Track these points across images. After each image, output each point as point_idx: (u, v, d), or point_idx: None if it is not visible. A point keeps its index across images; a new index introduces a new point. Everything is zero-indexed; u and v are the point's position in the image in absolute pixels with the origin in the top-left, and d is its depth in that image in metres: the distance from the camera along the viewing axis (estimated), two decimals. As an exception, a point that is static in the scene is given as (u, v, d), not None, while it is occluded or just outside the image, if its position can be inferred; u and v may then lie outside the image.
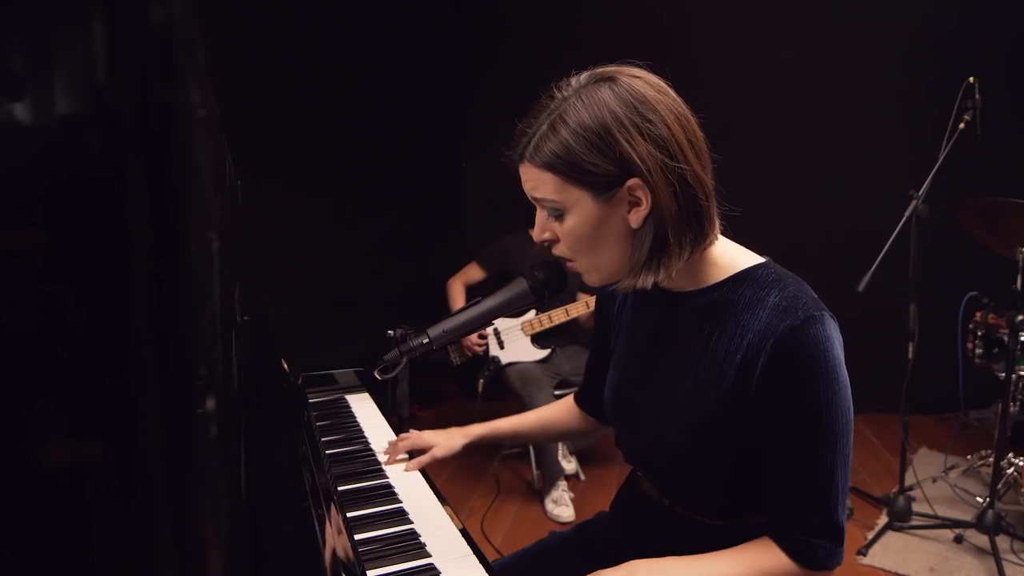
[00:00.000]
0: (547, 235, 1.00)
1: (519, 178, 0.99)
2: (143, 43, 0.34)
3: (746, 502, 1.04)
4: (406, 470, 1.37)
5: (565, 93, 0.94)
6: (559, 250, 1.01)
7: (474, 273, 3.30)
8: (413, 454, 1.41)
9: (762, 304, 0.96)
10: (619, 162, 0.90)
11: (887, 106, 3.74)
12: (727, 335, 0.98)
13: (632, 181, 0.91)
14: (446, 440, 1.39)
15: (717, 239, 1.00)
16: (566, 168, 0.91)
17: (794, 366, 0.91)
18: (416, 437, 1.41)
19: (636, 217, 0.93)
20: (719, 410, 0.97)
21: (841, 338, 0.95)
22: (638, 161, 0.89)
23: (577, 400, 1.40)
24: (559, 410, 1.43)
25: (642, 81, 0.93)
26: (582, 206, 0.94)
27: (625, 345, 1.15)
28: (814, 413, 0.92)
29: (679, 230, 0.93)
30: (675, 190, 0.91)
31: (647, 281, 0.96)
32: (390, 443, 1.45)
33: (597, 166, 0.90)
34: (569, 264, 1.03)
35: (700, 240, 0.96)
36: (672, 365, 1.04)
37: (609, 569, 0.99)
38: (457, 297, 3.26)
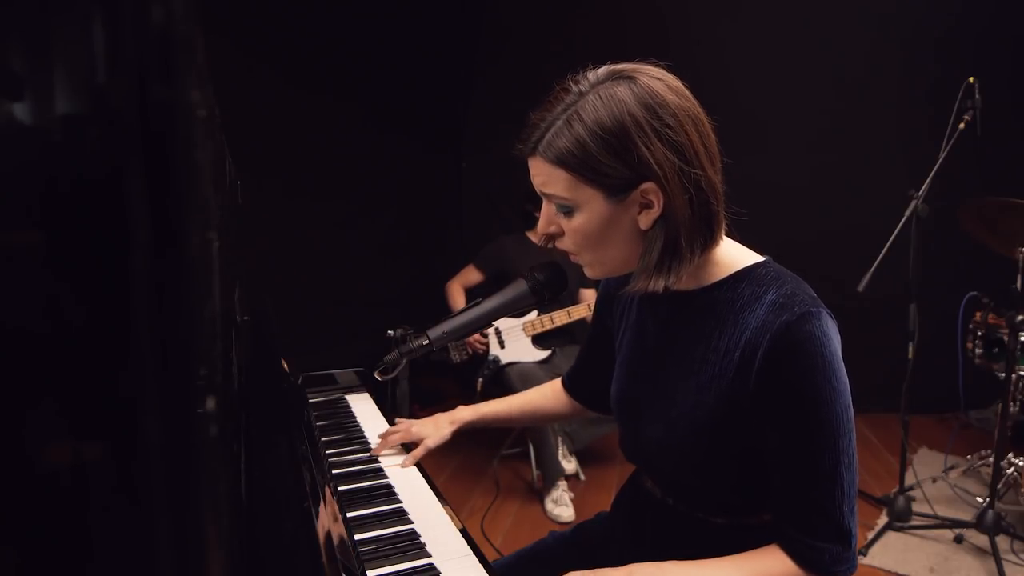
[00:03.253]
0: (553, 228, 0.99)
1: (522, 179, 0.99)
2: (143, 43, 0.34)
3: (750, 500, 1.04)
4: (403, 465, 1.37)
5: (582, 88, 0.92)
6: (563, 244, 1.00)
7: (472, 276, 3.30)
8: (407, 447, 1.42)
9: (760, 302, 0.96)
10: (635, 166, 0.89)
11: (887, 106, 3.74)
12: (727, 333, 0.98)
13: (646, 185, 0.90)
14: (435, 430, 1.40)
15: (721, 239, 1.00)
16: (580, 167, 0.90)
17: (790, 361, 0.91)
18: (406, 431, 1.42)
19: (647, 219, 0.93)
20: (720, 408, 0.97)
21: (839, 336, 0.95)
22: (655, 166, 0.88)
23: (564, 383, 1.41)
24: (544, 394, 1.44)
25: (661, 83, 0.91)
26: (593, 205, 0.93)
27: (630, 344, 1.15)
28: (812, 409, 0.91)
29: (691, 234, 0.93)
30: (690, 196, 0.91)
31: (658, 285, 0.94)
32: (380, 436, 1.45)
33: (613, 168, 0.89)
34: (572, 257, 1.02)
35: (709, 243, 0.96)
36: (675, 364, 1.04)
37: (609, 569, 0.99)
38: (457, 299, 3.26)
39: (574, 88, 0.92)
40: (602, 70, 0.93)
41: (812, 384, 0.91)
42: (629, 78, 0.91)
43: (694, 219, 0.92)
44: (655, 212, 0.92)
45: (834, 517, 0.93)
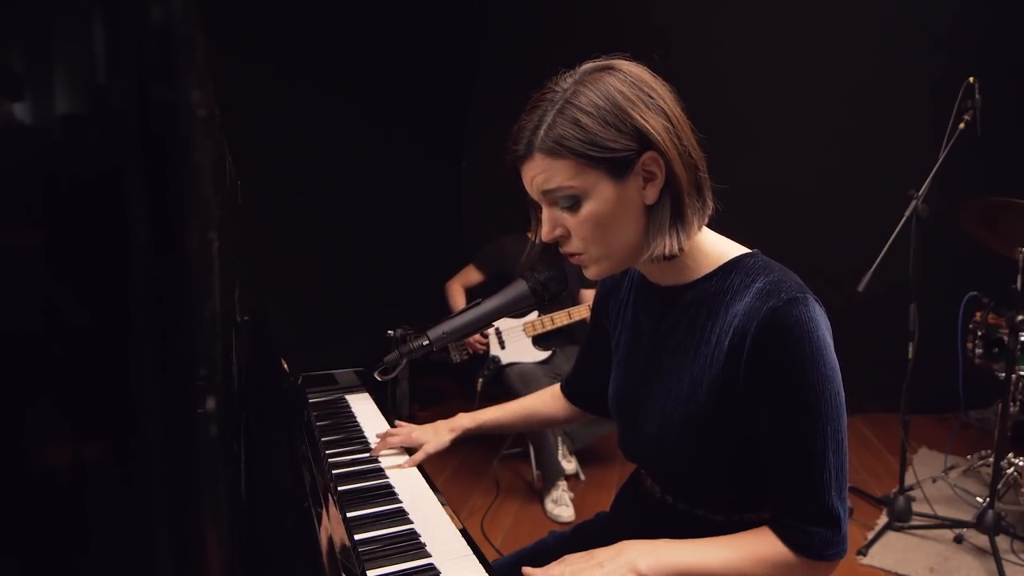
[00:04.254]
0: (558, 231, 0.99)
1: (519, 177, 0.99)
2: (143, 43, 0.34)
3: (749, 496, 1.04)
4: (402, 467, 1.38)
5: (565, 85, 0.95)
6: (571, 246, 1.00)
7: (472, 276, 3.30)
8: (407, 450, 1.43)
9: (748, 290, 0.97)
10: (636, 135, 0.92)
11: (887, 106, 3.74)
12: (717, 324, 0.99)
13: (648, 155, 0.93)
14: (435, 436, 1.42)
15: (705, 224, 1.01)
16: (583, 148, 0.91)
17: (777, 347, 0.92)
18: (406, 435, 1.43)
19: (652, 191, 0.95)
20: (714, 401, 0.98)
21: (828, 322, 0.95)
22: (653, 132, 0.92)
23: (563, 389, 1.41)
24: (543, 400, 1.45)
25: (636, 67, 0.97)
26: (600, 189, 0.93)
27: (626, 343, 1.16)
28: (800, 394, 0.92)
29: (691, 198, 0.96)
30: (683, 159, 0.95)
31: (673, 247, 0.96)
32: (379, 436, 1.46)
33: (616, 141, 0.91)
34: (577, 258, 1.01)
35: (703, 212, 0.99)
36: (669, 359, 1.05)
37: (601, 548, 1.00)
38: (457, 299, 3.26)
39: (557, 88, 0.96)
40: (580, 69, 0.97)
41: (800, 369, 0.91)
42: (607, 68, 0.96)
43: (690, 182, 0.96)
44: (659, 182, 0.94)
45: (823, 501, 0.94)
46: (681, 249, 0.97)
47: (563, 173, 0.93)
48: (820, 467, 0.93)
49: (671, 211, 0.96)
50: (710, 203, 1.00)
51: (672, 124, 0.94)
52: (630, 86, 0.93)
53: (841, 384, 0.94)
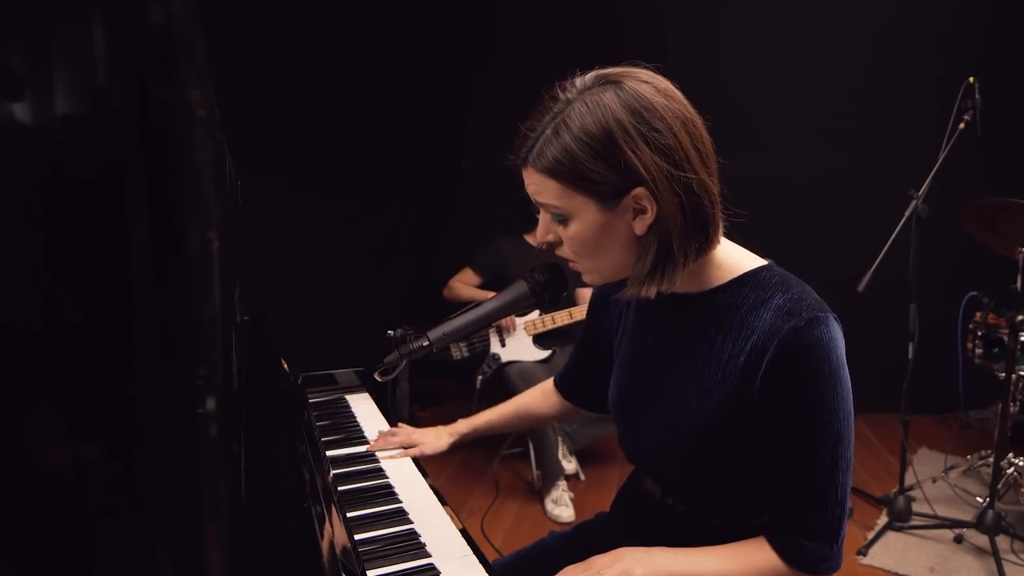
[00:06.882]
0: (551, 237, 1.00)
1: (520, 179, 0.99)
2: (143, 43, 0.34)
3: (750, 502, 1.04)
4: (395, 457, 1.39)
5: (569, 95, 0.91)
6: (563, 252, 1.01)
7: (470, 278, 3.31)
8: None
9: (766, 306, 0.95)
10: (624, 171, 0.88)
11: (887, 106, 3.74)
12: (731, 338, 0.98)
13: (638, 190, 0.89)
14: (434, 439, 1.43)
15: (720, 243, 1.00)
16: (569, 175, 0.90)
17: (797, 366, 0.91)
18: (406, 436, 1.44)
19: (641, 225, 0.92)
20: (723, 413, 0.97)
21: (843, 341, 0.95)
22: (643, 171, 0.88)
23: (556, 384, 1.41)
24: (535, 397, 1.45)
25: (649, 86, 0.90)
26: (586, 213, 0.93)
27: (629, 346, 1.15)
28: (815, 413, 0.91)
29: (684, 239, 0.93)
30: (680, 200, 0.90)
31: (650, 291, 0.95)
32: (380, 432, 1.47)
33: (601, 175, 0.89)
34: (571, 264, 1.03)
35: (705, 247, 0.96)
36: (677, 368, 1.04)
37: (598, 555, 1.00)
38: (464, 292, 3.25)
39: (562, 96, 0.92)
40: (589, 76, 0.92)
41: (818, 389, 0.91)
42: (615, 83, 0.90)
43: (687, 224, 0.92)
44: (649, 218, 0.91)
45: (825, 519, 0.94)
46: (660, 293, 0.96)
47: (551, 192, 0.93)
48: (827, 484, 0.93)
49: (658, 251, 0.93)
50: (717, 238, 0.97)
51: (675, 161, 0.89)
52: (632, 113, 0.87)
53: (852, 403, 0.94)
